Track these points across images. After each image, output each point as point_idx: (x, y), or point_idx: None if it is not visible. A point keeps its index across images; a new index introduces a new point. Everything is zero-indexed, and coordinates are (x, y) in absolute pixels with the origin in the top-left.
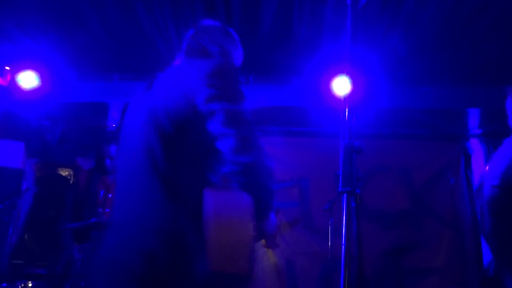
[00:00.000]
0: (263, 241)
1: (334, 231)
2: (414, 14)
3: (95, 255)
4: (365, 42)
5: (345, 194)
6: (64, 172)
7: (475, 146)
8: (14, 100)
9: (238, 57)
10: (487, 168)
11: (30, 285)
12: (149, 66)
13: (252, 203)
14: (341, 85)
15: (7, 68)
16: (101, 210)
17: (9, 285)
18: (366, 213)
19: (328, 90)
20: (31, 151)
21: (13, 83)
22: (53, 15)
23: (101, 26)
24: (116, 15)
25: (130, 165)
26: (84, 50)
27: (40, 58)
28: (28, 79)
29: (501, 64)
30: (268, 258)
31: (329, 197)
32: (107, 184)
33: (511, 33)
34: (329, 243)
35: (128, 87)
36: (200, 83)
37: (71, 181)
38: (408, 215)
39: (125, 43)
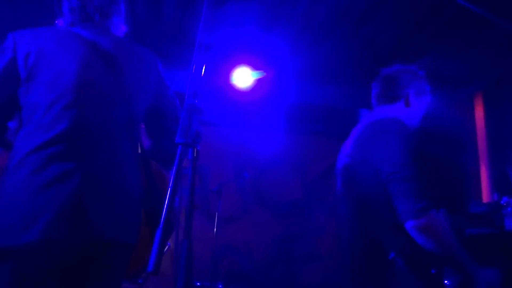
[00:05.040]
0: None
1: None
2: (309, 15)
3: None
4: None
5: (180, 146)
6: None
7: None
8: None
9: None
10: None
11: None
12: None
13: None
14: (242, 77)
15: None
16: None
17: None
18: (261, 202)
19: (228, 82)
20: None
21: None
22: None
23: None
24: None
25: None
26: None
27: None
28: None
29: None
30: None
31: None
32: None
33: (397, 36)
34: (215, 230)
35: None
36: None
37: None
38: (300, 204)
39: None
